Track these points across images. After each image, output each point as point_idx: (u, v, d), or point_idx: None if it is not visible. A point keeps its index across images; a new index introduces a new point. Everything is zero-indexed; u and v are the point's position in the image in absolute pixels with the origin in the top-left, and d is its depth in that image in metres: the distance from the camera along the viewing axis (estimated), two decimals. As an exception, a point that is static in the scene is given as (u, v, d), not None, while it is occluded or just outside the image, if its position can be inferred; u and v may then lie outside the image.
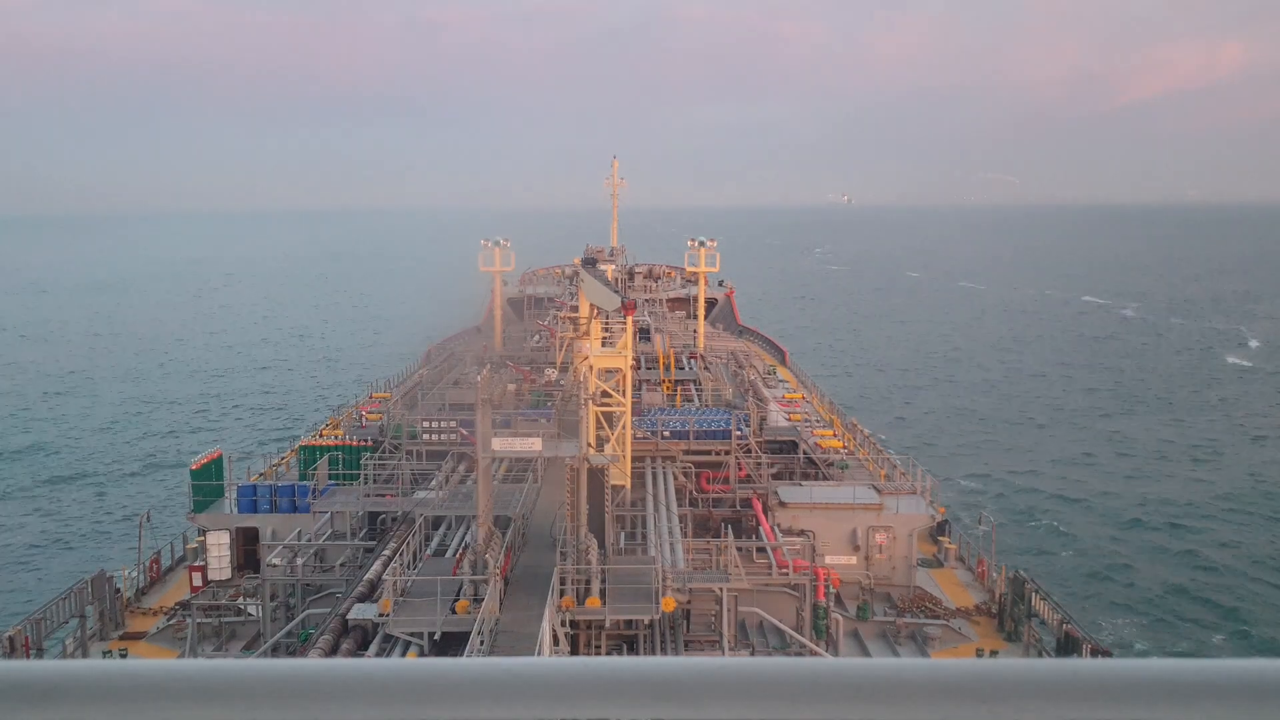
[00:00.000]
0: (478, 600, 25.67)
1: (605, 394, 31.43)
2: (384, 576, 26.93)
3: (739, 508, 37.37)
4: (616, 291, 34.16)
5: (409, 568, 28.28)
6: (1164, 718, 1.53)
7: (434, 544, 32.15)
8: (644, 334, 62.44)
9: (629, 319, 32.90)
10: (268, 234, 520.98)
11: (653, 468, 38.45)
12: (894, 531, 35.87)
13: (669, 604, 27.20)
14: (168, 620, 32.80)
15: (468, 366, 57.36)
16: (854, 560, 35.64)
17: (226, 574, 34.81)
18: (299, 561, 31.34)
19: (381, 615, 25.76)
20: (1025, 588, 31.13)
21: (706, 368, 58.27)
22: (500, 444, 29.05)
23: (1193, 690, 1.52)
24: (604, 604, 26.92)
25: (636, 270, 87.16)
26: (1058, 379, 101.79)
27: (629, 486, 34.33)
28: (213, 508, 37.37)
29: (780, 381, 62.34)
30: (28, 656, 28.71)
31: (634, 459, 35.57)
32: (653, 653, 27.41)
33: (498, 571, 26.70)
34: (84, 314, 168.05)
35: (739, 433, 40.05)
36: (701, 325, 70.23)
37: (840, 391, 75.55)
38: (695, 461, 39.46)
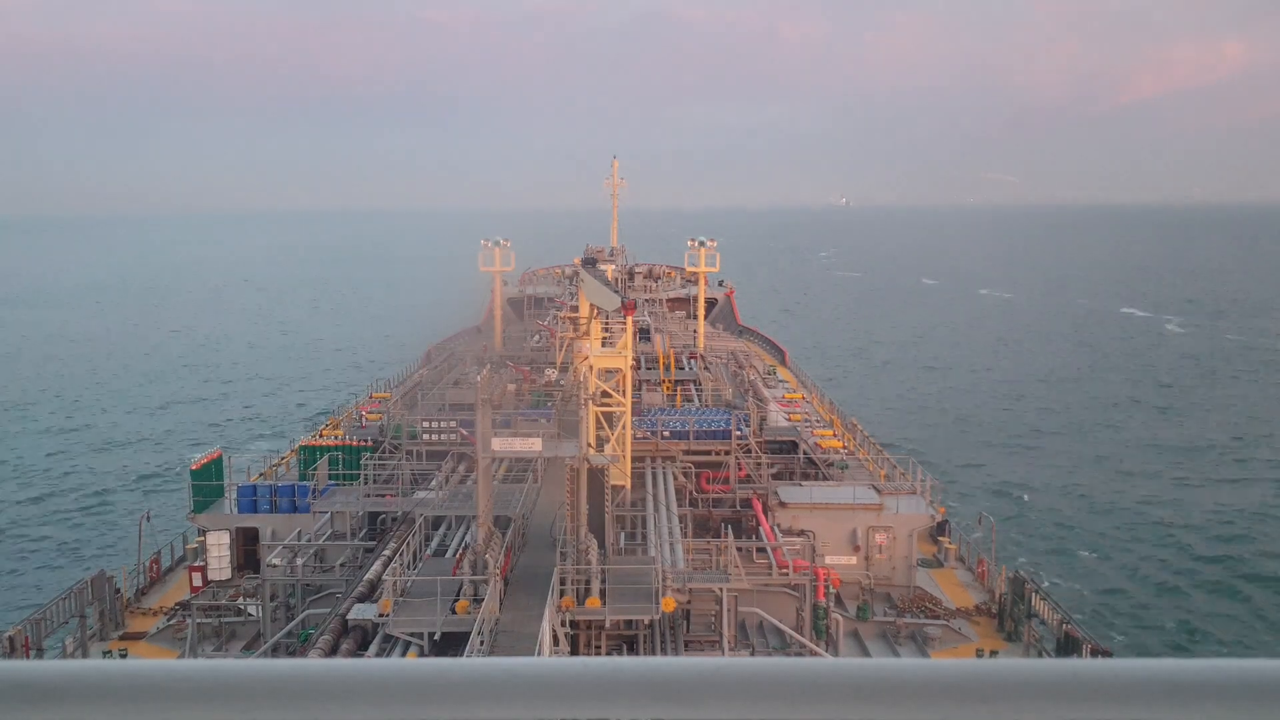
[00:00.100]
0: (478, 600, 25.66)
1: (605, 394, 31.43)
2: (384, 577, 26.92)
3: (739, 508, 37.36)
4: (616, 291, 34.14)
5: (409, 568, 28.27)
6: (1164, 718, 1.53)
7: (434, 544, 32.14)
8: (644, 334, 62.44)
9: (629, 319, 32.90)
10: (266, 235, 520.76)
11: (653, 468, 38.44)
12: (894, 531, 35.86)
13: (669, 604, 27.19)
14: (168, 620, 32.79)
15: (468, 366, 57.38)
16: (854, 560, 35.63)
17: (226, 574, 34.79)
18: (299, 562, 31.32)
19: (381, 615, 25.75)
20: (1025, 588, 31.12)
21: (706, 368, 58.27)
22: (500, 444, 29.04)
23: (1193, 690, 1.52)
24: (604, 604, 26.91)
25: (636, 270, 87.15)
26: (1060, 382, 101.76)
27: (629, 486, 34.31)
28: (213, 508, 37.36)
29: (780, 381, 62.36)
30: (28, 656, 28.71)
31: (634, 459, 35.55)
32: (653, 653, 27.42)
33: (498, 571, 26.69)
34: (83, 314, 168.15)
35: (739, 433, 40.04)
36: (701, 325, 70.22)
37: (851, 397, 75.53)
38: (695, 461, 39.44)
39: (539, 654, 23.63)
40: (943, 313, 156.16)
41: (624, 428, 31.74)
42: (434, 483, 36.08)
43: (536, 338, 69.45)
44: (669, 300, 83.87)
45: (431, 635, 25.15)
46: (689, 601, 28.89)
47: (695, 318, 72.30)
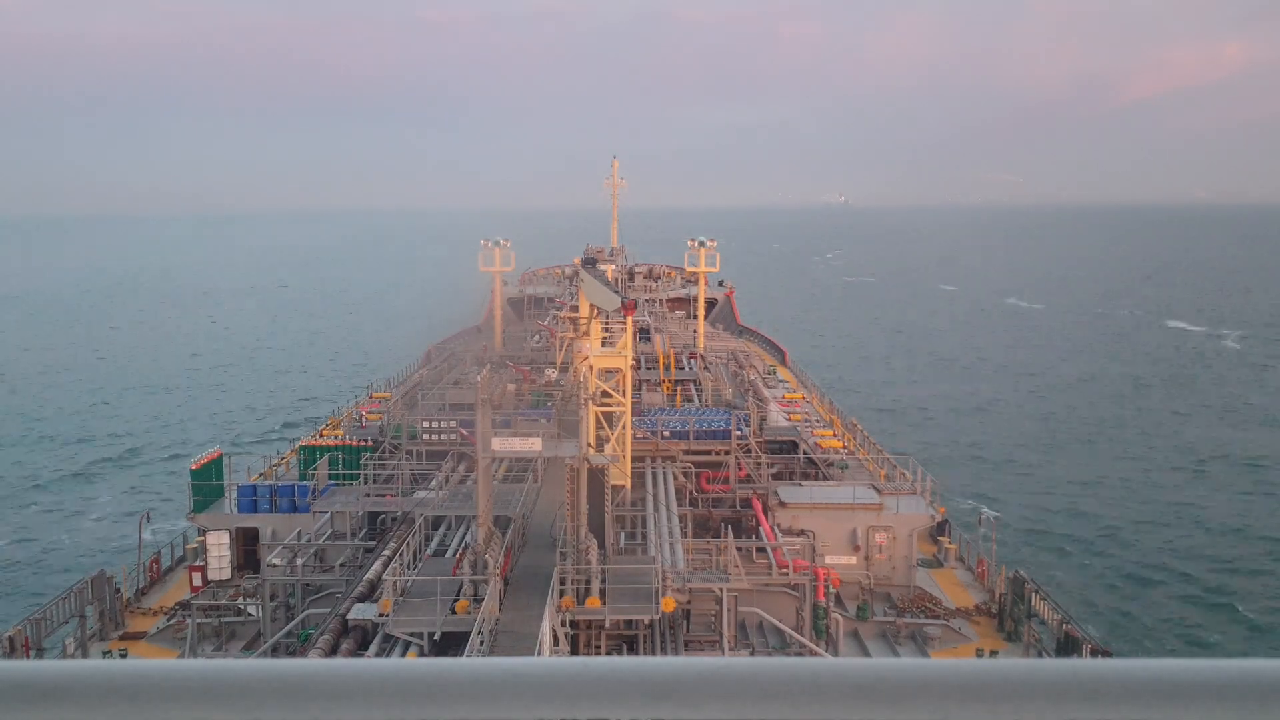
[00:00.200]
0: (478, 600, 25.65)
1: (605, 394, 31.43)
2: (384, 576, 26.92)
3: (739, 508, 37.35)
4: (616, 291, 34.13)
5: (409, 568, 28.26)
6: (1164, 718, 1.53)
7: (434, 544, 32.13)
8: (644, 334, 62.44)
9: (629, 319, 32.90)
10: (266, 235, 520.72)
11: (653, 468, 38.44)
12: (894, 531, 35.86)
13: (669, 604, 27.18)
14: (168, 620, 32.80)
15: (468, 366, 57.38)
16: (854, 560, 35.63)
17: (226, 574, 34.80)
18: (299, 561, 31.32)
19: (381, 615, 25.74)
20: (1025, 588, 31.12)
21: (706, 368, 58.27)
22: (500, 444, 29.04)
23: (1193, 690, 1.52)
24: (604, 604, 26.90)
25: (636, 270, 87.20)
26: (1060, 383, 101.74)
27: (629, 486, 34.31)
28: (213, 508, 37.38)
29: (780, 381, 62.36)
30: (28, 656, 28.71)
31: (634, 459, 35.56)
32: (653, 653, 27.41)
33: (498, 571, 26.69)
34: (84, 314, 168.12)
35: (739, 433, 40.04)
36: (701, 325, 70.22)
37: (861, 403, 75.25)
38: (695, 461, 39.44)
39: (539, 654, 23.62)
40: (968, 323, 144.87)
41: (624, 428, 31.75)
42: (434, 483, 36.08)
43: (536, 338, 69.45)
44: (669, 300, 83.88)
45: (431, 635, 25.14)
46: (689, 601, 28.87)
47: (695, 318, 72.30)
